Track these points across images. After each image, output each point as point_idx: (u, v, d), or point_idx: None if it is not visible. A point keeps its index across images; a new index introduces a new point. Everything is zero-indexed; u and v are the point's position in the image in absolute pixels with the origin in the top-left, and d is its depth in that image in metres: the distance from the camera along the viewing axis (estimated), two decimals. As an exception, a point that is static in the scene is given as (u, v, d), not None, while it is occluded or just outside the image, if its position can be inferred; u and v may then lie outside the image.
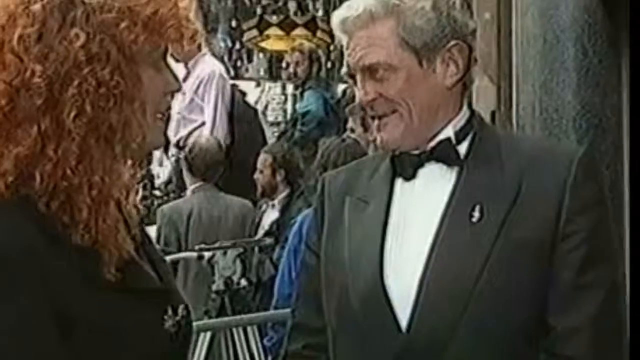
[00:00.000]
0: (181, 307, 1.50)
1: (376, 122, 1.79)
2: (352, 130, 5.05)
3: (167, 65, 1.47)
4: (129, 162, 1.46)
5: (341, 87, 7.95)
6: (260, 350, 4.65)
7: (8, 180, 1.34)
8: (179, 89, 1.49)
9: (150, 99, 1.43)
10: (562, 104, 3.09)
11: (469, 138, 1.79)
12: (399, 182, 1.80)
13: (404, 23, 1.74)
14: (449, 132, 1.78)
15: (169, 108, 1.49)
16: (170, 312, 1.47)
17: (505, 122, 3.65)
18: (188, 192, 5.46)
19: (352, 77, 1.81)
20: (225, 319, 4.67)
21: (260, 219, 5.57)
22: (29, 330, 1.32)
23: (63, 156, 1.34)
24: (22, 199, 1.35)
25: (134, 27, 1.38)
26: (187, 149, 5.57)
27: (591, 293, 1.69)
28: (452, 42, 1.76)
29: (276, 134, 7.88)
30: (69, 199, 1.35)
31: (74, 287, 1.35)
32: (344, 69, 1.83)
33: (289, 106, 9.85)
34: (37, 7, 1.36)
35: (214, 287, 4.78)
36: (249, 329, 4.62)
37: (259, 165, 5.62)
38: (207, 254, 4.82)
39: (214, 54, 7.27)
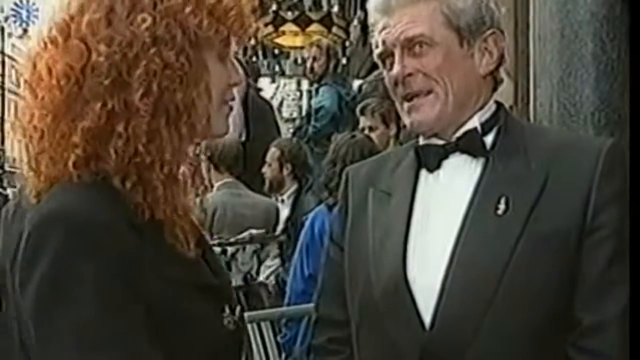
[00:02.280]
0: (238, 307, 1.55)
1: (407, 104, 1.78)
2: (371, 129, 5.00)
3: (231, 59, 1.54)
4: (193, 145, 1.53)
5: (357, 82, 7.94)
6: (274, 346, 4.64)
7: (77, 152, 1.42)
8: (240, 82, 1.57)
9: (215, 87, 1.50)
10: (580, 99, 3.07)
11: (494, 130, 1.78)
12: (423, 173, 1.79)
13: (447, 3, 1.77)
14: (474, 122, 1.78)
15: (233, 99, 1.56)
16: (227, 310, 1.51)
17: (522, 118, 3.63)
18: (214, 189, 5.44)
19: (384, 60, 1.81)
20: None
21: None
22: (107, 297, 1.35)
23: (133, 134, 1.42)
24: (98, 178, 1.42)
25: (199, 12, 1.46)
26: (209, 145, 5.54)
27: (619, 288, 1.66)
28: (490, 30, 1.78)
29: (291, 130, 7.87)
30: (143, 177, 1.43)
31: (145, 272, 1.39)
32: (376, 51, 1.82)
33: (304, 102, 9.87)
34: None
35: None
36: (262, 324, 4.62)
37: (267, 159, 5.62)
38: (230, 249, 4.82)
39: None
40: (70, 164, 1.42)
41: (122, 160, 1.42)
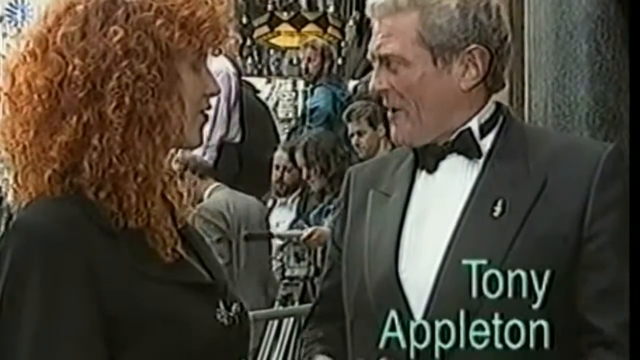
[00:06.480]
0: (235, 304, 1.57)
1: (390, 114, 1.79)
2: (360, 134, 4.96)
3: (207, 69, 1.56)
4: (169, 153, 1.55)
5: (352, 83, 7.94)
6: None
7: (53, 167, 1.45)
8: (218, 92, 1.58)
9: (189, 97, 1.52)
10: (574, 100, 3.07)
11: (494, 132, 1.76)
12: (422, 174, 1.78)
13: (425, 19, 1.72)
14: (470, 124, 1.76)
15: (209, 108, 1.58)
16: (222, 306, 1.54)
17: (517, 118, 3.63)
18: (205, 195, 5.42)
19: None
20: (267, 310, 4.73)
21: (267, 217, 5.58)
22: (65, 309, 1.39)
23: (107, 145, 1.44)
24: (71, 192, 1.45)
25: (170, 25, 1.48)
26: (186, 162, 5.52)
27: (622, 297, 1.64)
28: (473, 46, 1.73)
29: (287, 131, 7.87)
30: (117, 187, 1.45)
31: (120, 274, 1.43)
32: (369, 55, 1.81)
33: (299, 103, 9.85)
34: (80, 7, 1.47)
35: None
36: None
37: (284, 163, 5.64)
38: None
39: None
40: (45, 178, 1.45)
41: (97, 173, 1.44)
